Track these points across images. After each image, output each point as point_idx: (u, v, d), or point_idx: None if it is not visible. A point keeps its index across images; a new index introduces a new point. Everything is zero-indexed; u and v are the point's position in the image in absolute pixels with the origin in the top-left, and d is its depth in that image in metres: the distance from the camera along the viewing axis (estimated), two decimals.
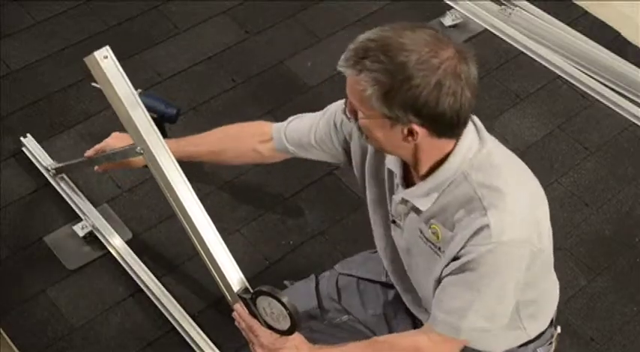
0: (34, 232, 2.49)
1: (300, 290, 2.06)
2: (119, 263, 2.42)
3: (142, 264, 2.40)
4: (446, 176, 1.52)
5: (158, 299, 2.34)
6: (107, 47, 1.77)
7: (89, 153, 2.19)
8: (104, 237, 2.45)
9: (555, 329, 1.85)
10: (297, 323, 1.58)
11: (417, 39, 1.41)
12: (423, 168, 1.54)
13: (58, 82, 2.88)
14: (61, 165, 2.52)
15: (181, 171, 1.81)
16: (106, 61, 1.76)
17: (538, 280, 1.67)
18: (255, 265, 2.46)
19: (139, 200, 2.59)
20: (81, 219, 2.47)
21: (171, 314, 2.32)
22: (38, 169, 2.61)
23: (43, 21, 3.06)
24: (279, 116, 2.81)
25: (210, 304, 2.37)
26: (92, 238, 2.45)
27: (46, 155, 2.62)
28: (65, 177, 2.56)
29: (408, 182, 1.62)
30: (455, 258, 1.52)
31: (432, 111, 1.42)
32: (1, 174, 2.61)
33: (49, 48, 2.97)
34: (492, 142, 1.57)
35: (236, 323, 1.71)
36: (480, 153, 1.53)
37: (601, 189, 2.73)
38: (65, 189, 2.54)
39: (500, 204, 1.48)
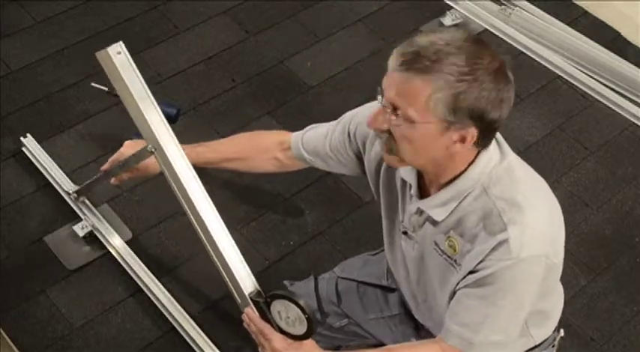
0: (34, 232, 2.49)
1: (299, 292, 2.05)
2: (119, 263, 2.42)
3: (141, 264, 2.40)
4: (464, 187, 1.51)
5: (158, 299, 2.34)
6: (120, 43, 1.75)
7: (105, 166, 2.14)
8: (104, 237, 2.45)
9: (558, 332, 1.85)
10: (313, 328, 1.55)
11: (478, 44, 1.43)
12: (446, 178, 1.53)
13: (58, 82, 2.88)
14: (80, 186, 2.47)
15: (194, 171, 1.80)
16: (119, 56, 1.74)
17: (549, 292, 1.67)
18: (255, 265, 2.43)
19: (139, 200, 2.59)
20: (81, 219, 2.47)
21: (171, 314, 2.32)
22: (38, 169, 2.61)
23: (43, 21, 3.06)
24: (279, 116, 2.82)
25: (210, 304, 2.37)
26: (92, 238, 2.45)
27: (46, 155, 2.62)
28: (67, 179, 2.56)
29: (422, 193, 1.61)
30: (472, 271, 1.51)
31: (492, 118, 1.42)
32: (1, 174, 2.61)
33: (49, 48, 2.97)
34: (512, 155, 1.56)
35: (245, 326, 1.68)
36: (500, 166, 1.52)
37: (601, 189, 2.73)
38: (65, 188, 2.54)
39: (520, 220, 1.47)
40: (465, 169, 1.51)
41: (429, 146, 1.47)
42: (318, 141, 1.85)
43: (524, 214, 1.48)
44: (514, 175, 1.53)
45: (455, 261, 1.56)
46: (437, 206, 1.55)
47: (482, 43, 1.45)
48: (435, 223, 1.58)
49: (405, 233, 1.69)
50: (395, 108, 1.44)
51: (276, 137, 1.98)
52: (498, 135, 1.55)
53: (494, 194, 1.50)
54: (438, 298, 1.66)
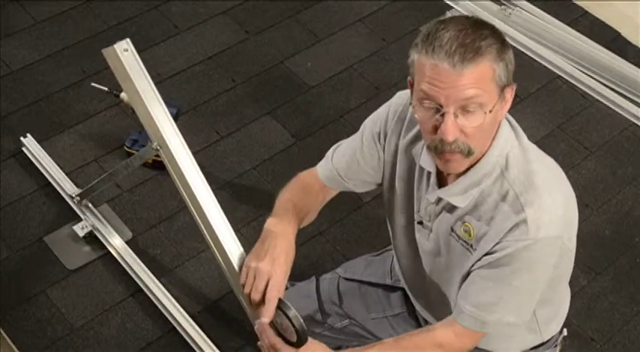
0: (34, 232, 2.49)
1: (300, 292, 2.05)
2: (119, 263, 2.42)
3: (141, 264, 2.40)
4: (484, 171, 1.52)
5: (158, 299, 2.34)
6: (127, 40, 1.74)
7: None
8: (104, 237, 2.45)
9: (561, 333, 1.86)
10: (303, 338, 1.54)
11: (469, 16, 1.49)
12: (473, 161, 1.52)
13: (58, 82, 2.88)
14: (83, 190, 2.46)
15: (199, 170, 1.78)
16: (126, 54, 1.73)
17: (559, 282, 1.68)
18: None
19: (139, 200, 2.59)
20: (81, 219, 2.47)
21: (171, 314, 2.32)
22: (38, 169, 2.61)
23: (43, 21, 3.06)
24: (279, 116, 2.82)
25: (210, 304, 2.37)
26: (92, 238, 2.45)
27: (46, 155, 2.62)
28: (67, 179, 2.56)
29: (439, 182, 1.61)
30: (488, 253, 1.52)
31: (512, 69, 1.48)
32: (1, 174, 2.61)
33: (49, 48, 2.97)
34: (527, 140, 1.58)
35: (259, 341, 1.63)
36: (517, 149, 1.54)
37: (601, 189, 2.73)
38: (65, 189, 2.54)
39: (537, 201, 1.48)
40: (485, 152, 1.51)
41: (494, 124, 1.48)
42: (349, 159, 1.76)
43: (541, 196, 1.49)
44: (530, 158, 1.54)
45: (471, 245, 1.57)
46: (458, 193, 1.55)
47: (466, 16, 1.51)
48: (452, 210, 1.58)
49: (420, 223, 1.68)
50: (464, 107, 1.42)
51: (312, 186, 1.84)
52: (510, 117, 1.57)
53: (511, 176, 1.51)
54: (450, 286, 1.67)
